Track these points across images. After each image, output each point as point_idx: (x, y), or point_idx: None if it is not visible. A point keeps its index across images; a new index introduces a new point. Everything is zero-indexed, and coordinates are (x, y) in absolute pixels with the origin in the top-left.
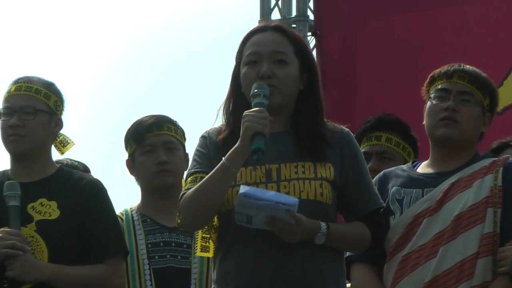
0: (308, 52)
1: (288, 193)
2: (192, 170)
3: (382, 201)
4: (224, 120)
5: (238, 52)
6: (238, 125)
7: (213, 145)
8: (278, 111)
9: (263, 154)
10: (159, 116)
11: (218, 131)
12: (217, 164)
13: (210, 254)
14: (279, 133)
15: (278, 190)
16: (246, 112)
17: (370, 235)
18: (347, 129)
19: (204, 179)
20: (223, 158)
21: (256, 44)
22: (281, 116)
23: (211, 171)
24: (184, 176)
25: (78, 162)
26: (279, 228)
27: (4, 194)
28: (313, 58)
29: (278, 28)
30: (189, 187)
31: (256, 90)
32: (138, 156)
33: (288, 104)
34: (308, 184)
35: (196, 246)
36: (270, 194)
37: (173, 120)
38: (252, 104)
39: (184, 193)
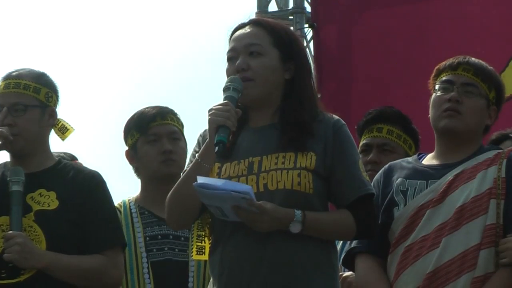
0: (291, 41)
1: (266, 184)
2: (184, 169)
3: (371, 188)
4: None
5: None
6: None
7: (204, 143)
8: (262, 103)
9: (224, 146)
10: (161, 106)
11: None
12: None
13: (205, 257)
14: (265, 127)
15: (257, 182)
16: (211, 106)
17: (355, 222)
18: (336, 118)
19: (181, 177)
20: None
21: (234, 40)
22: (268, 109)
23: None
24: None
25: (64, 153)
26: (244, 217)
27: (8, 178)
28: (299, 47)
29: (255, 22)
30: None
31: (227, 84)
32: (141, 146)
33: (271, 96)
34: (286, 174)
35: (192, 248)
36: (222, 182)
37: (174, 111)
38: (223, 97)
39: None
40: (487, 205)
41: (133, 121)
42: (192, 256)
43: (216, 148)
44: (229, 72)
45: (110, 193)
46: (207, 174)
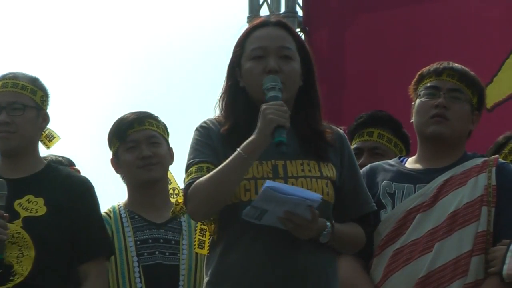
0: (306, 48)
1: None
2: (196, 160)
3: (374, 203)
4: (221, 113)
5: (237, 47)
6: (240, 119)
7: (217, 136)
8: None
9: (286, 147)
10: (140, 112)
11: (218, 122)
12: (224, 155)
13: (205, 252)
14: None
15: None
16: (266, 105)
17: (365, 237)
18: (341, 130)
19: (219, 168)
20: (238, 149)
21: (262, 38)
22: None
23: (217, 161)
24: (185, 166)
25: (62, 157)
26: (296, 223)
27: None
28: (309, 53)
29: (281, 24)
30: (196, 176)
31: (272, 83)
32: (121, 154)
33: (290, 101)
34: (316, 182)
35: (194, 240)
36: (296, 189)
37: (154, 115)
38: (266, 97)
39: (192, 181)
40: (479, 212)
41: (113, 129)
42: (194, 248)
43: (281, 148)
44: (255, 70)
45: (98, 200)
46: (247, 169)
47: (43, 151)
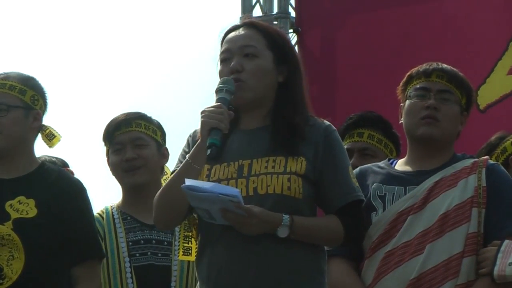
0: (285, 44)
1: (255, 188)
2: (173, 169)
3: (361, 194)
4: None
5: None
6: None
7: (194, 144)
8: (255, 106)
9: (217, 149)
10: (129, 113)
11: None
12: None
13: (192, 258)
14: (256, 129)
15: (247, 185)
16: (204, 108)
17: (343, 229)
18: (327, 123)
19: (170, 176)
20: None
21: (228, 41)
22: (260, 111)
23: None
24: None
25: (56, 158)
26: (232, 220)
27: None
28: (292, 50)
29: (250, 24)
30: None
31: (220, 85)
32: (110, 156)
33: (264, 98)
34: (276, 178)
35: (178, 247)
36: (211, 185)
37: (145, 115)
38: (215, 99)
39: None
40: (470, 213)
41: (103, 133)
42: (178, 256)
43: (209, 151)
44: (222, 74)
45: (90, 202)
46: (197, 175)
47: (39, 151)
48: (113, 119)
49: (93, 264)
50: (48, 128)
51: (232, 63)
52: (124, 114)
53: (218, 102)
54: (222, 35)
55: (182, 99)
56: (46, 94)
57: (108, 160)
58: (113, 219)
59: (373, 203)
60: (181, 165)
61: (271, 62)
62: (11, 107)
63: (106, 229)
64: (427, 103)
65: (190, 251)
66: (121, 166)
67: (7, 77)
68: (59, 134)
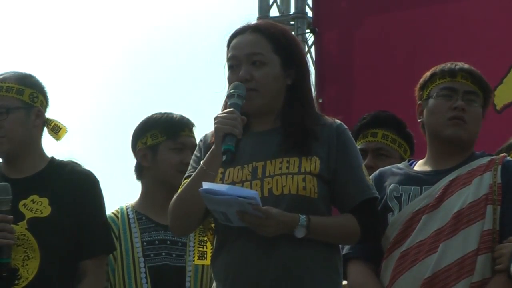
0: (292, 46)
1: (270, 189)
2: (186, 174)
3: (376, 192)
4: None
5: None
6: None
7: (206, 148)
8: (264, 111)
9: (232, 154)
10: (186, 117)
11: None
12: None
13: (207, 262)
14: (267, 131)
15: (262, 187)
16: (217, 114)
17: (359, 227)
18: (339, 122)
19: (185, 183)
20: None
21: (234, 47)
22: (269, 115)
23: None
24: None
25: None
26: (250, 222)
27: None
28: (298, 50)
29: (254, 28)
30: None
31: (231, 91)
32: (164, 150)
33: (273, 102)
34: (291, 178)
35: (193, 251)
36: (227, 188)
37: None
38: (228, 105)
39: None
40: (484, 210)
41: (159, 123)
42: (194, 261)
43: (224, 157)
44: (231, 80)
45: (102, 195)
46: (212, 181)
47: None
48: (172, 116)
49: (102, 258)
50: (53, 122)
51: (241, 73)
52: (181, 116)
53: (230, 108)
54: (228, 39)
55: (197, 101)
56: (45, 89)
57: (151, 151)
58: (128, 219)
59: (390, 204)
60: (195, 171)
61: (279, 66)
62: (10, 110)
63: (121, 229)
64: (456, 104)
65: (205, 255)
66: (178, 167)
67: (3, 79)
68: (64, 126)
